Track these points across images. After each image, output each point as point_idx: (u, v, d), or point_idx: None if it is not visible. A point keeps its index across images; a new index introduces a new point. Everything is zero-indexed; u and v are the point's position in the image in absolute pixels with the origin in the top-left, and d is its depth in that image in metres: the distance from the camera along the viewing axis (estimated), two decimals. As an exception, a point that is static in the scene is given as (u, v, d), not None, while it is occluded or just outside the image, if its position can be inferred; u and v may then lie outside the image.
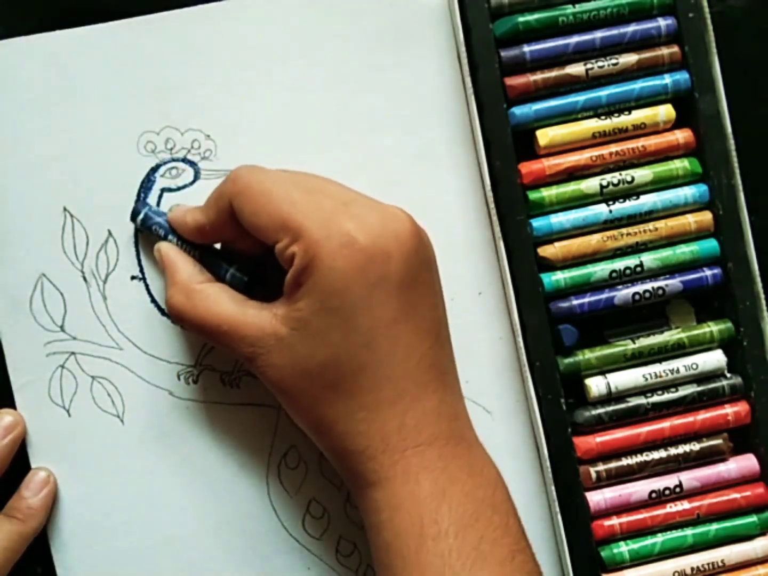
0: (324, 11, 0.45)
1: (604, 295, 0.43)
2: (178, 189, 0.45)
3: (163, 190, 0.44)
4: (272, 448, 0.44)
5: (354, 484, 0.39)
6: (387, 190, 0.44)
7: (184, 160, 0.45)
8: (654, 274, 0.44)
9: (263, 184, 0.38)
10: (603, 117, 0.44)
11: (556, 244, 0.43)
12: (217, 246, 0.43)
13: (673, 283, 0.44)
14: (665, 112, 0.44)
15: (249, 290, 0.41)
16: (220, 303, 0.39)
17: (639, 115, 0.44)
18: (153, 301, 0.44)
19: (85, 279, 0.44)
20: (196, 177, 0.45)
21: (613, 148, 0.44)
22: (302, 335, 0.37)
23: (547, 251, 0.43)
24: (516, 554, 0.37)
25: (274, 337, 0.38)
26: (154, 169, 0.44)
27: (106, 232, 0.44)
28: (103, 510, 0.44)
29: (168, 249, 0.42)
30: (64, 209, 0.44)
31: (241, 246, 0.41)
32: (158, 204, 0.44)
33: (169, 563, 0.44)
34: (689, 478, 0.43)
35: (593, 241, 0.44)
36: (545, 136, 0.43)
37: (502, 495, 0.39)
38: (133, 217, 0.43)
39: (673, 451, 0.43)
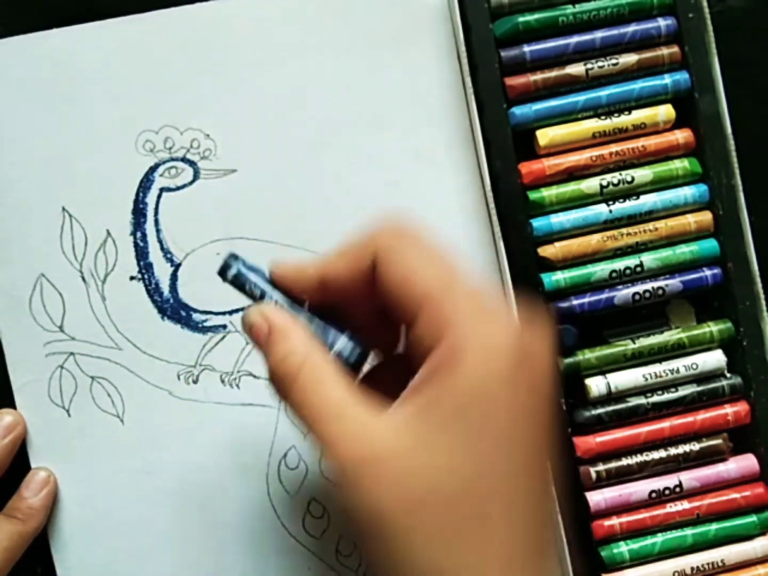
0: (324, 11, 0.45)
1: (604, 295, 0.43)
2: (177, 189, 0.44)
3: (162, 190, 0.44)
4: (272, 448, 0.44)
5: None
6: (387, 190, 0.45)
7: (184, 159, 0.44)
8: (654, 274, 0.44)
9: (416, 250, 0.32)
10: (603, 117, 0.44)
11: (556, 244, 0.43)
12: None
13: (673, 283, 0.44)
14: (665, 112, 0.44)
15: (357, 368, 0.35)
16: (327, 386, 0.32)
17: (639, 115, 0.44)
18: (152, 301, 0.44)
19: (83, 279, 0.44)
20: (196, 177, 0.45)
21: (613, 148, 0.44)
22: (431, 449, 0.29)
23: (547, 251, 0.43)
24: None
25: (389, 452, 0.30)
26: (153, 169, 0.44)
27: (104, 232, 0.44)
28: (103, 510, 0.44)
29: (274, 313, 0.34)
30: (63, 209, 0.44)
31: (358, 311, 0.34)
32: (157, 204, 0.44)
33: (169, 563, 0.44)
34: (689, 478, 0.44)
35: (593, 241, 0.44)
36: (545, 136, 0.43)
37: None
38: (223, 272, 0.36)
39: (673, 451, 0.43)
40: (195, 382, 0.44)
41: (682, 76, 0.44)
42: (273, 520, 0.44)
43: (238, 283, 0.36)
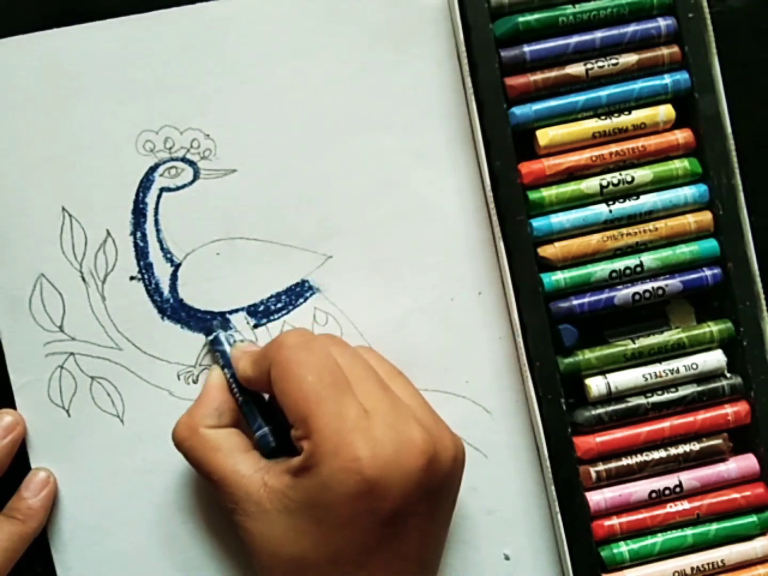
0: (324, 11, 0.45)
1: (604, 295, 0.43)
2: (177, 189, 0.44)
3: (162, 190, 0.44)
4: (272, 448, 0.44)
5: None
6: (387, 190, 0.45)
7: (184, 159, 0.44)
8: (654, 274, 0.44)
9: (300, 368, 0.37)
10: (603, 117, 0.44)
11: (556, 244, 0.43)
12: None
13: (673, 283, 0.44)
14: (665, 112, 0.44)
15: (277, 450, 0.41)
16: (216, 452, 0.39)
17: (639, 115, 0.44)
18: (152, 301, 0.44)
19: (83, 279, 0.44)
20: (196, 176, 0.45)
21: (613, 148, 0.44)
22: (282, 520, 0.37)
23: (547, 251, 0.43)
24: None
25: (256, 506, 0.38)
26: (153, 169, 0.44)
27: (104, 232, 0.44)
28: (103, 510, 0.44)
29: (213, 379, 0.42)
30: (63, 209, 0.44)
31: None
32: (157, 204, 0.44)
33: (169, 563, 0.44)
34: (689, 478, 0.44)
35: (593, 241, 0.44)
36: (545, 136, 0.43)
37: None
38: (207, 333, 0.44)
39: (673, 451, 0.43)
40: (195, 382, 0.44)
41: (682, 76, 0.44)
42: (273, 520, 0.44)
43: (212, 348, 0.43)
